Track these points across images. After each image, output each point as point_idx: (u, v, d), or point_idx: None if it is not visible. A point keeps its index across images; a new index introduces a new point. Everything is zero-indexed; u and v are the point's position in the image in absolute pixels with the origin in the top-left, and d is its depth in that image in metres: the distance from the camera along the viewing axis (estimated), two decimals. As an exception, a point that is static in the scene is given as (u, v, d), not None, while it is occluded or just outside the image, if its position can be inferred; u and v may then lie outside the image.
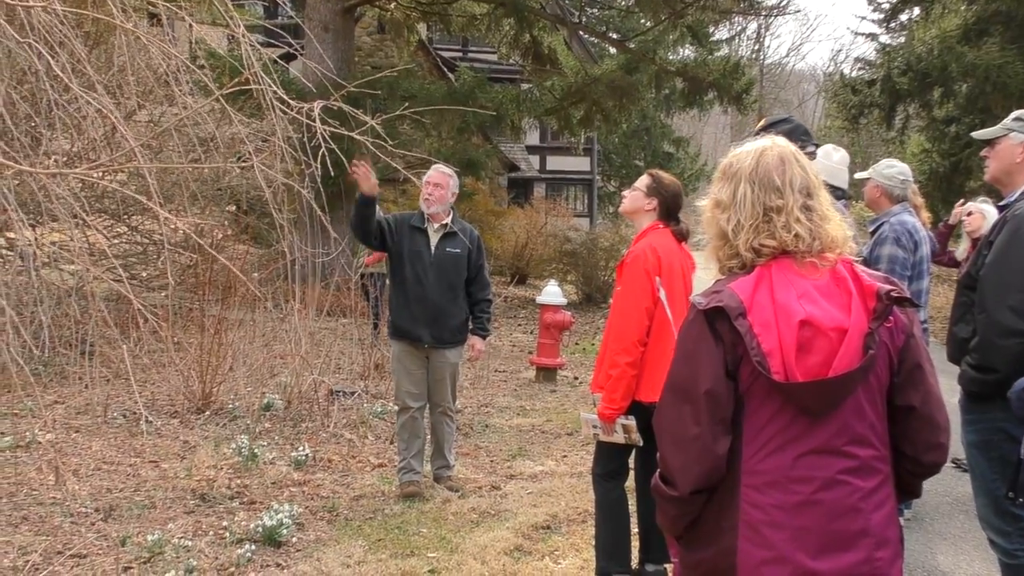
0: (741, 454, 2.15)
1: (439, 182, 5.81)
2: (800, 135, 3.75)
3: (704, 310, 2.14)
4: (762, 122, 3.91)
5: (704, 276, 2.47)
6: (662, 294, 4.11)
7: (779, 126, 3.78)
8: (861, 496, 2.12)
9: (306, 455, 6.38)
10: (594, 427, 4.26)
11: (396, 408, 6.06)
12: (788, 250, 2.19)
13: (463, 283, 5.85)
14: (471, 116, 15.01)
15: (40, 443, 6.32)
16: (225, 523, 5.18)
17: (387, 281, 11.66)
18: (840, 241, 2.21)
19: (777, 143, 2.29)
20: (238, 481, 5.90)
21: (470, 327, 5.95)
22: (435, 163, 6.21)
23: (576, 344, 13.28)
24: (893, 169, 5.25)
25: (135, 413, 7.26)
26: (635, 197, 4.38)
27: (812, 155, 3.77)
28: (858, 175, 5.43)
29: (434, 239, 5.80)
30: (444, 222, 5.82)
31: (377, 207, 5.77)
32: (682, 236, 4.34)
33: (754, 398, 2.13)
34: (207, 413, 7.39)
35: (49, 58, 4.21)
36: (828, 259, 2.19)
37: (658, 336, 4.10)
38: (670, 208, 4.35)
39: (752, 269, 2.19)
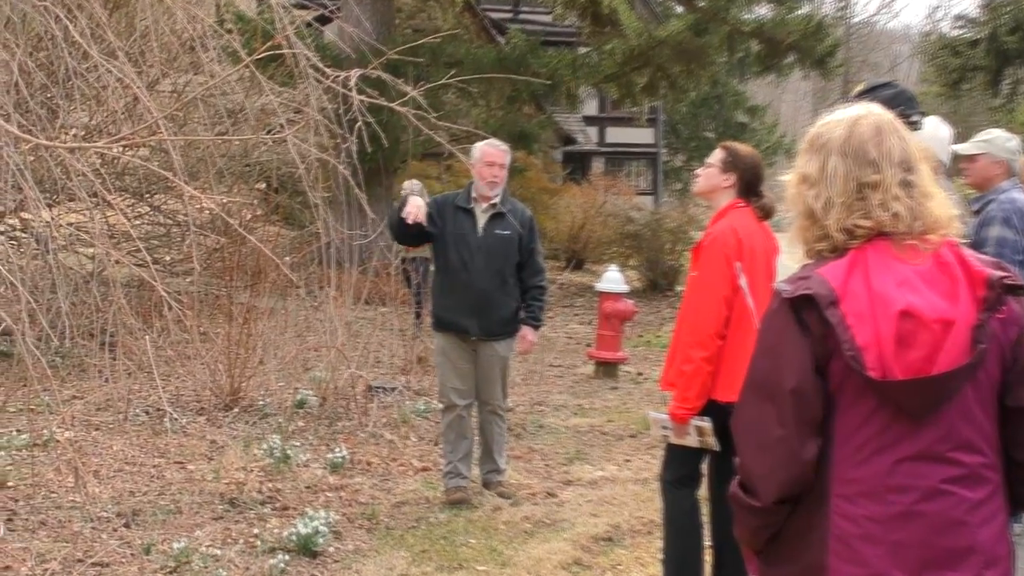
0: (831, 460, 2.12)
1: (503, 161, 5.82)
2: (902, 102, 3.67)
3: (790, 299, 2.11)
4: (859, 87, 3.84)
5: (788, 262, 2.44)
6: (743, 281, 4.07)
7: (878, 92, 3.69)
8: (968, 508, 2.08)
9: (343, 457, 6.44)
10: (664, 428, 4.24)
11: (440, 406, 6.09)
12: (885, 231, 2.14)
13: (514, 268, 5.84)
14: (522, 84, 15.00)
15: (58, 442, 6.46)
16: (256, 531, 5.25)
17: (430, 266, 11.74)
18: (944, 221, 2.16)
19: (872, 111, 2.25)
20: (270, 485, 5.98)
21: (521, 316, 5.94)
22: (483, 136, 6.21)
23: (639, 336, 13.24)
24: (1012, 142, 5.12)
25: (159, 410, 7.39)
26: (710, 174, 4.34)
27: (916, 125, 3.67)
28: (960, 148, 5.31)
29: (481, 220, 5.80)
30: (494, 201, 5.82)
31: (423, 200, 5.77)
32: (766, 213, 4.29)
33: (846, 397, 2.10)
34: (235, 410, 7.50)
35: (67, 22, 4.28)
36: (931, 241, 2.14)
37: (738, 328, 4.07)
38: (750, 183, 4.30)
39: (844, 253, 2.15)
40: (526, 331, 5.95)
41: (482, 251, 5.74)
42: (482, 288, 5.73)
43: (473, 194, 5.83)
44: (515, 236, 5.80)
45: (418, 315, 10.13)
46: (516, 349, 6.14)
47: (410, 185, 11.83)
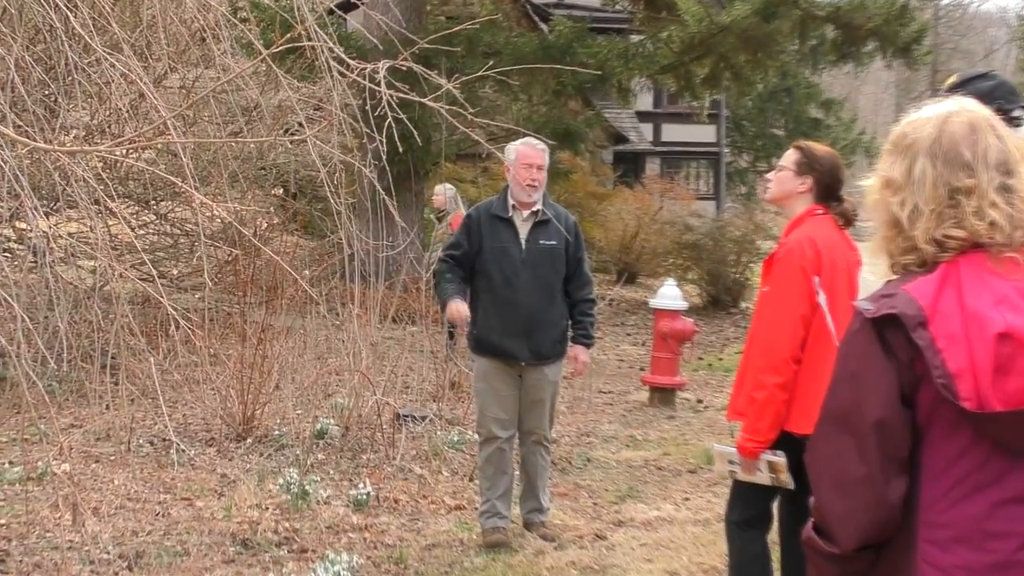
0: (919, 501, 2.10)
1: (542, 163, 5.82)
2: (1001, 95, 3.63)
3: (873, 318, 2.10)
4: (952, 78, 3.80)
5: (870, 277, 2.43)
6: (822, 298, 4.04)
7: (974, 84, 3.66)
8: (1078, 558, 2.05)
9: (368, 493, 6.46)
10: (730, 463, 4.21)
11: (478, 438, 6.09)
12: (981, 242, 2.12)
13: (561, 282, 5.84)
14: (568, 76, 15.01)
15: (55, 475, 6.52)
16: (272, 575, 5.27)
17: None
18: (1049, 231, 2.14)
19: (966, 106, 2.23)
20: (286, 524, 6.00)
21: (571, 335, 5.94)
22: (524, 135, 6.22)
23: (699, 359, 13.17)
24: None
25: (164, 440, 7.45)
26: (783, 179, 4.32)
27: (1018, 121, 3.63)
28: None
29: (523, 230, 5.79)
30: (535, 208, 5.81)
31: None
32: (847, 220, 4.27)
33: (937, 430, 2.08)
34: (249, 441, 7.55)
35: (67, 12, 4.35)
36: (1034, 254, 2.12)
37: (816, 351, 4.03)
38: (829, 187, 4.28)
39: (934, 267, 2.13)
40: (578, 351, 5.95)
41: (527, 265, 5.74)
42: (530, 306, 5.72)
43: (511, 201, 5.83)
44: (561, 245, 5.80)
45: (451, 335, 10.14)
46: (566, 371, 6.14)
47: (442, 189, 11.89)
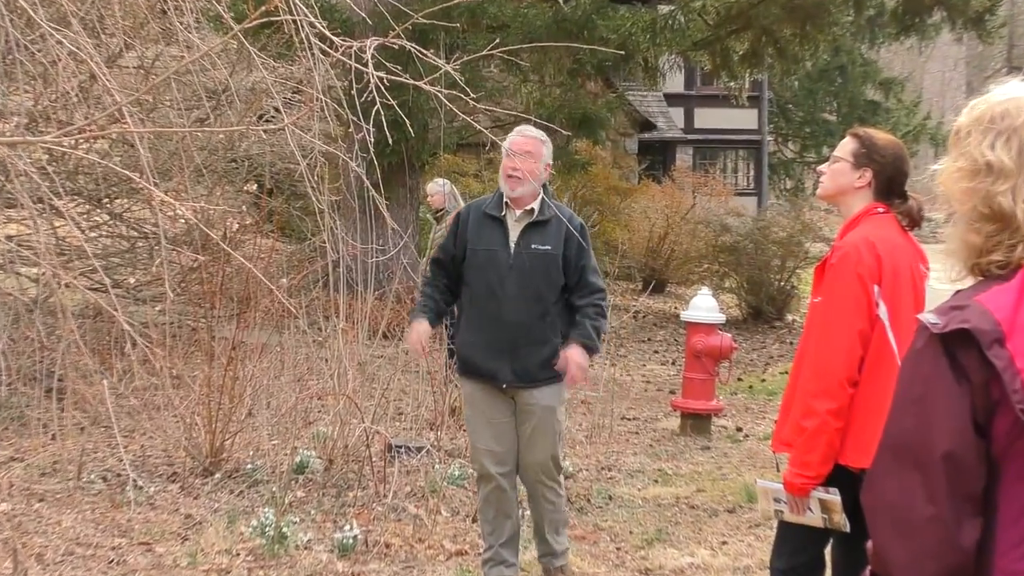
0: (994, 546, 2.10)
1: (529, 149, 5.74)
2: None
3: (941, 334, 2.09)
4: None
5: (940, 286, 2.41)
6: (882, 310, 4.03)
7: None
8: None
9: (355, 537, 6.45)
10: (776, 502, 4.20)
11: (475, 474, 6.08)
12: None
13: (558, 294, 5.75)
14: (586, 53, 15.00)
15: (-8, 515, 6.52)
16: (243, 631, 5.27)
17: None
18: None
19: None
20: (261, 573, 5.99)
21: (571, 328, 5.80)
22: (534, 122, 6.22)
23: (739, 380, 13.15)
24: None
25: (119, 475, 7.44)
26: (838, 172, 4.30)
27: None
28: None
29: (514, 232, 5.74)
30: (529, 207, 5.76)
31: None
32: (912, 220, 4.25)
33: (1015, 464, 2.08)
34: (217, 476, 7.55)
35: (6, -17, 4.36)
36: None
37: (875, 372, 4.02)
38: (891, 180, 4.26)
39: (1012, 273, 2.12)
40: (572, 352, 5.67)
41: (515, 272, 5.67)
42: (515, 321, 5.65)
43: (504, 199, 5.78)
44: (558, 252, 5.71)
45: (452, 352, 10.14)
46: (565, 396, 6.02)
47: (438, 186, 11.87)
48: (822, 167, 4.42)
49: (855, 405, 4.04)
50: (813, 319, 4.21)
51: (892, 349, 4.02)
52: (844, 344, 4.04)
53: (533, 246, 5.68)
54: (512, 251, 5.69)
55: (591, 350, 5.75)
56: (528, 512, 6.17)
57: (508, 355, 5.66)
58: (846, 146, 4.32)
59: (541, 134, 5.84)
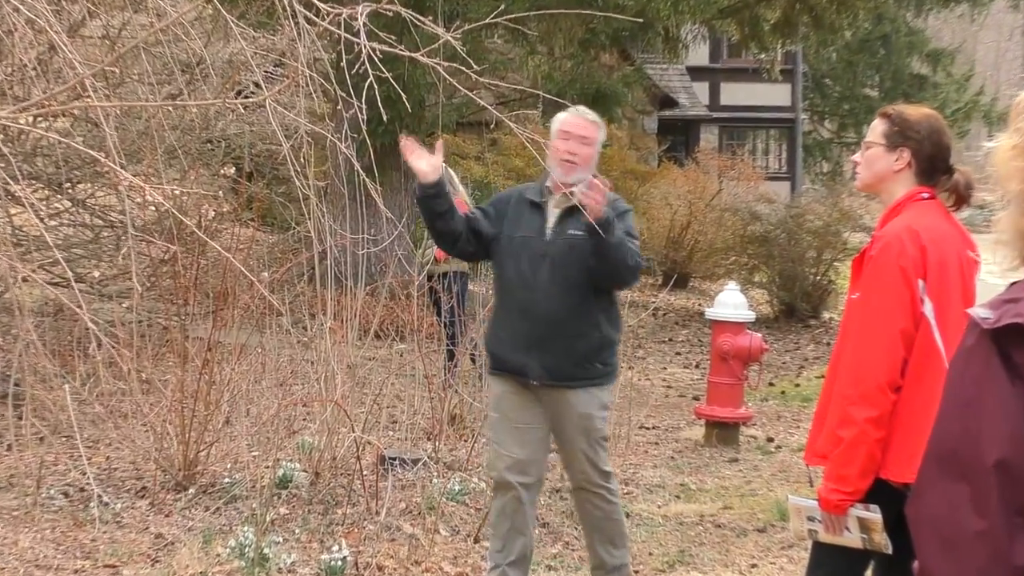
0: (1053, 567, 2.09)
1: (587, 134, 5.80)
2: None
3: (993, 330, 2.09)
4: None
5: (993, 279, 2.41)
6: (928, 307, 4.03)
7: None
8: None
9: (344, 559, 6.46)
10: (811, 520, 4.21)
11: (491, 483, 6.13)
12: None
13: (596, 284, 5.80)
14: (601, 22, 15.01)
15: (-58, 534, 6.54)
16: (221, 663, 5.28)
17: (469, 283, 11.67)
18: None
19: None
20: (240, 597, 6.01)
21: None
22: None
23: (770, 386, 13.15)
24: None
25: (83, 490, 7.45)
26: (872, 158, 4.30)
27: None
28: None
29: (552, 218, 5.80)
30: (571, 191, 5.76)
31: (453, 191, 5.80)
32: (960, 196, 4.24)
33: (1076, 476, 2.07)
34: (191, 491, 7.55)
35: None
36: None
37: (920, 375, 4.02)
38: (932, 158, 4.26)
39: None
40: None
41: (550, 260, 5.72)
42: (547, 311, 5.68)
43: (547, 183, 5.85)
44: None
45: (451, 354, 10.16)
46: (604, 400, 5.98)
47: None
48: (855, 156, 4.42)
49: (898, 412, 4.04)
50: (851, 317, 4.20)
51: (939, 350, 4.02)
52: (885, 345, 4.03)
53: (570, 231, 5.71)
54: (548, 237, 5.76)
55: (608, 230, 5.42)
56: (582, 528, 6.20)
57: (538, 349, 5.69)
58: (876, 128, 4.31)
59: (597, 117, 5.91)
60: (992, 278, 2.52)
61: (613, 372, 5.94)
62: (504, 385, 5.86)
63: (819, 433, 4.22)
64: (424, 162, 5.55)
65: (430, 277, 10.87)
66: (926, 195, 4.23)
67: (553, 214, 5.78)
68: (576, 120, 5.82)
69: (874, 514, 4.07)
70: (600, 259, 5.55)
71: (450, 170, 11.74)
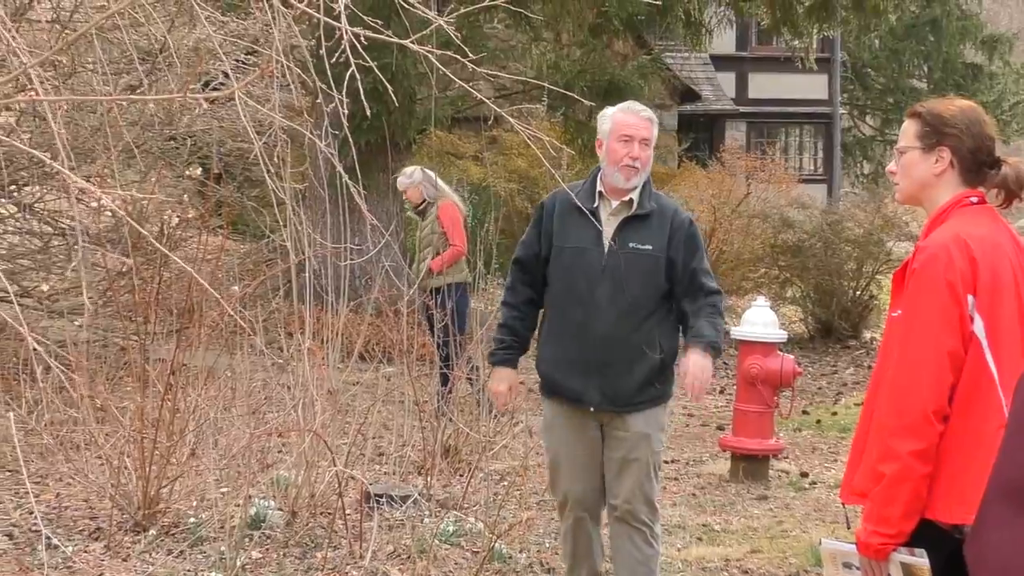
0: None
1: (648, 135, 5.99)
2: None
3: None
4: None
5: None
6: (978, 325, 4.02)
7: None
8: None
9: (324, 608, 6.46)
10: (848, 568, 4.19)
11: (555, 501, 6.42)
12: None
13: (658, 300, 5.96)
14: (613, 5, 15.04)
15: None
16: None
17: (469, 296, 11.64)
18: None
19: None
20: (206, 652, 6.00)
21: (683, 335, 6.05)
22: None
23: (804, 414, 13.14)
24: None
25: (30, 531, 7.45)
26: (909, 165, 4.29)
27: None
28: None
29: (609, 227, 5.94)
30: (628, 197, 5.95)
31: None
32: (1011, 192, 4.22)
33: None
34: (152, 532, 7.54)
35: None
36: None
37: (970, 403, 4.01)
38: (974, 152, 4.24)
39: None
40: (692, 358, 5.89)
41: (607, 275, 5.87)
42: (606, 333, 5.86)
43: (599, 187, 5.99)
44: (661, 252, 5.92)
45: (445, 378, 10.16)
46: (667, 414, 6.26)
47: (404, 180, 11.76)
48: (891, 166, 4.41)
49: (945, 444, 4.02)
50: (892, 337, 4.18)
51: (991, 373, 4.01)
52: (931, 369, 4.01)
53: (631, 245, 5.89)
54: (606, 250, 5.89)
55: (715, 350, 5.95)
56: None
57: (597, 374, 5.88)
58: (908, 131, 4.29)
59: (650, 113, 6.09)
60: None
61: (672, 388, 6.14)
62: (557, 409, 6.07)
63: (857, 467, 4.20)
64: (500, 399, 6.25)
65: (423, 292, 10.89)
66: (975, 199, 4.22)
67: (610, 223, 5.94)
68: (637, 120, 5.98)
69: (920, 559, 4.04)
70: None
71: (427, 172, 11.74)
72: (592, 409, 5.91)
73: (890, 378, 4.11)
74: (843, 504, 4.34)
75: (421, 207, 11.73)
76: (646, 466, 6.01)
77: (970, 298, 4.03)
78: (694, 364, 5.85)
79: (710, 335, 5.88)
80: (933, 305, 4.04)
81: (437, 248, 11.23)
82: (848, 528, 4.20)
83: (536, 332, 6.25)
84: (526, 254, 6.12)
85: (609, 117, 6.01)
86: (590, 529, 6.14)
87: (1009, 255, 4.15)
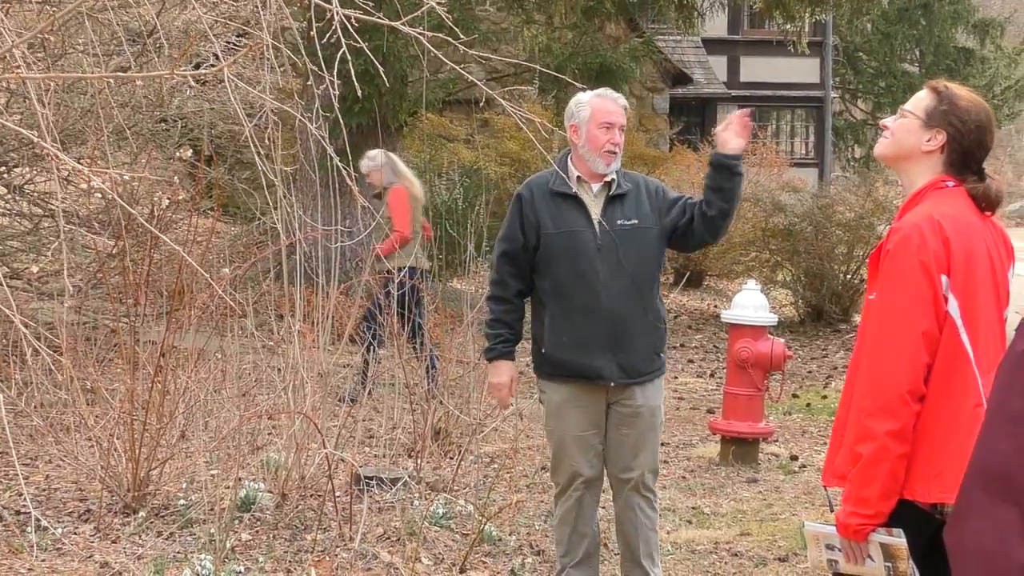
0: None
1: (624, 123, 6.19)
2: None
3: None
4: None
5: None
6: (953, 306, 4.02)
7: None
8: None
9: (313, 590, 6.47)
10: (830, 549, 4.20)
11: (554, 486, 6.45)
12: None
13: (653, 272, 6.20)
14: (605, -13, 15.00)
15: None
16: None
17: (420, 289, 11.58)
18: None
19: None
20: (196, 634, 6.00)
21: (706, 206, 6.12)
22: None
23: (794, 397, 13.16)
24: None
25: (19, 512, 7.44)
26: (905, 128, 4.29)
27: None
28: None
29: (595, 209, 6.11)
30: (608, 179, 6.14)
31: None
32: (988, 203, 4.24)
33: None
34: (142, 514, 7.54)
35: None
36: None
37: (946, 383, 4.01)
38: (968, 151, 4.25)
39: None
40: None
41: (606, 254, 6.04)
42: (613, 309, 6.03)
43: (573, 171, 6.14)
44: (647, 223, 6.12)
45: (435, 361, 10.15)
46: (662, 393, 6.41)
47: (368, 163, 11.61)
48: (886, 120, 4.41)
49: (922, 424, 4.02)
50: (868, 320, 4.19)
51: (966, 353, 4.01)
52: (906, 349, 4.01)
53: (619, 222, 6.09)
54: (598, 230, 6.07)
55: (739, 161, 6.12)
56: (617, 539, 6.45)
57: (612, 349, 6.06)
58: (921, 100, 4.29)
59: (621, 97, 6.25)
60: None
61: (665, 360, 6.41)
62: (565, 392, 6.18)
63: (837, 451, 4.21)
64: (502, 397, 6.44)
65: (377, 275, 10.76)
66: (951, 183, 4.22)
67: (596, 205, 6.11)
68: (615, 107, 6.16)
69: (898, 539, 4.04)
70: (726, 197, 6.06)
71: (391, 156, 11.64)
72: (612, 384, 6.05)
73: (866, 360, 4.11)
74: (825, 487, 4.35)
75: (379, 192, 11.61)
76: (658, 436, 6.31)
77: (944, 278, 4.03)
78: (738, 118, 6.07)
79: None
80: (907, 286, 4.04)
81: (386, 233, 11.14)
82: (831, 511, 4.20)
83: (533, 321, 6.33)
84: (512, 247, 6.19)
85: (586, 103, 6.12)
86: (591, 504, 6.26)
87: (983, 235, 4.16)
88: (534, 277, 6.18)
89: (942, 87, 4.30)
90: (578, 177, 6.09)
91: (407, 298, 10.04)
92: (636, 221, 6.05)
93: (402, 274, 10.12)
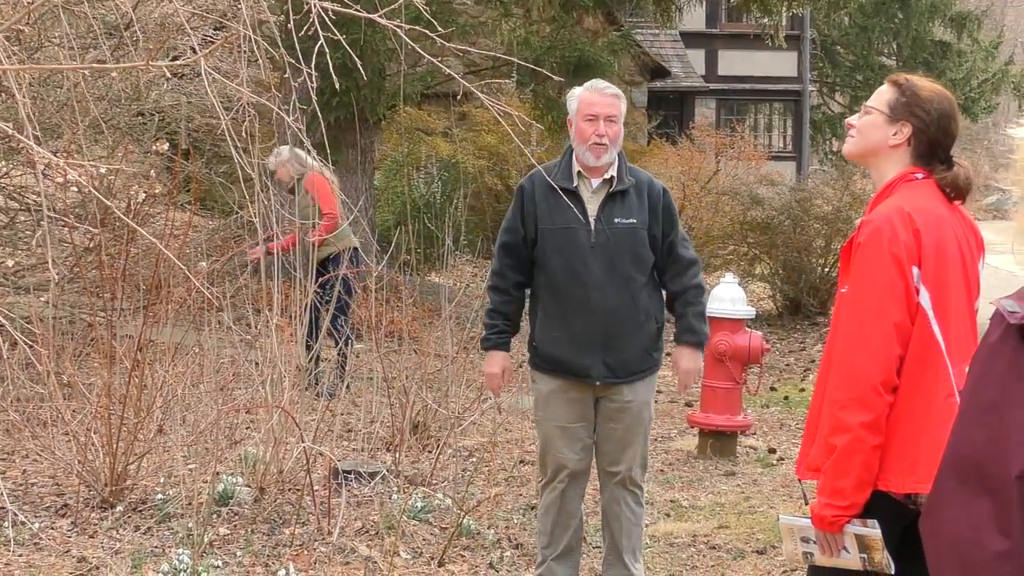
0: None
1: (614, 113, 6.12)
2: None
3: (1021, 324, 2.10)
4: None
5: (1019, 271, 2.42)
6: (924, 297, 4.04)
7: None
8: None
9: (292, 584, 6.47)
10: (805, 541, 4.21)
11: (539, 482, 6.47)
12: None
13: (648, 273, 6.17)
14: (583, -20, 14.99)
15: None
16: None
17: (357, 259, 11.50)
18: None
19: None
20: (174, 628, 5.99)
21: (671, 335, 6.27)
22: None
23: (771, 391, 13.18)
24: None
25: (-4, 507, 7.43)
26: (869, 125, 4.31)
27: None
28: None
29: (592, 205, 6.10)
30: (608, 175, 6.11)
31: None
32: (958, 191, 4.26)
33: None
34: (119, 509, 7.53)
35: None
36: None
37: (918, 374, 4.03)
38: (934, 142, 4.27)
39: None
40: (680, 354, 6.33)
41: (600, 252, 6.04)
42: (604, 307, 6.05)
43: (575, 167, 6.12)
44: (644, 225, 6.11)
45: (309, 347, 9.98)
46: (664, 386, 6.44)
47: (274, 160, 11.47)
48: (851, 119, 4.43)
49: (895, 415, 4.03)
50: (840, 313, 4.21)
51: (938, 344, 4.02)
52: (878, 341, 4.02)
53: (616, 220, 6.09)
54: (593, 228, 6.07)
55: (701, 345, 6.42)
56: (602, 532, 6.48)
57: (601, 348, 6.08)
58: (883, 95, 4.32)
59: (616, 90, 6.21)
60: (1019, 268, 2.53)
61: (662, 356, 6.39)
62: (554, 383, 6.21)
63: (812, 443, 4.22)
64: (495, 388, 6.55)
65: (321, 265, 10.64)
66: (920, 175, 4.24)
67: (593, 201, 6.11)
68: (601, 99, 6.11)
69: (873, 530, 4.05)
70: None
71: (293, 149, 11.53)
72: (598, 383, 6.07)
73: (839, 352, 4.13)
74: (799, 479, 4.37)
75: (292, 186, 11.43)
76: (647, 432, 6.32)
77: (915, 270, 4.05)
78: (687, 362, 6.36)
79: (701, 332, 6.32)
80: (878, 278, 4.06)
81: (315, 221, 11.02)
82: (807, 503, 4.21)
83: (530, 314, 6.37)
84: (512, 239, 6.21)
85: (576, 97, 6.14)
86: (575, 497, 6.27)
87: (953, 227, 4.18)
88: (533, 270, 6.21)
89: (902, 80, 4.33)
90: (579, 172, 6.10)
91: (349, 293, 10.05)
92: (634, 221, 6.06)
93: (347, 256, 10.13)
